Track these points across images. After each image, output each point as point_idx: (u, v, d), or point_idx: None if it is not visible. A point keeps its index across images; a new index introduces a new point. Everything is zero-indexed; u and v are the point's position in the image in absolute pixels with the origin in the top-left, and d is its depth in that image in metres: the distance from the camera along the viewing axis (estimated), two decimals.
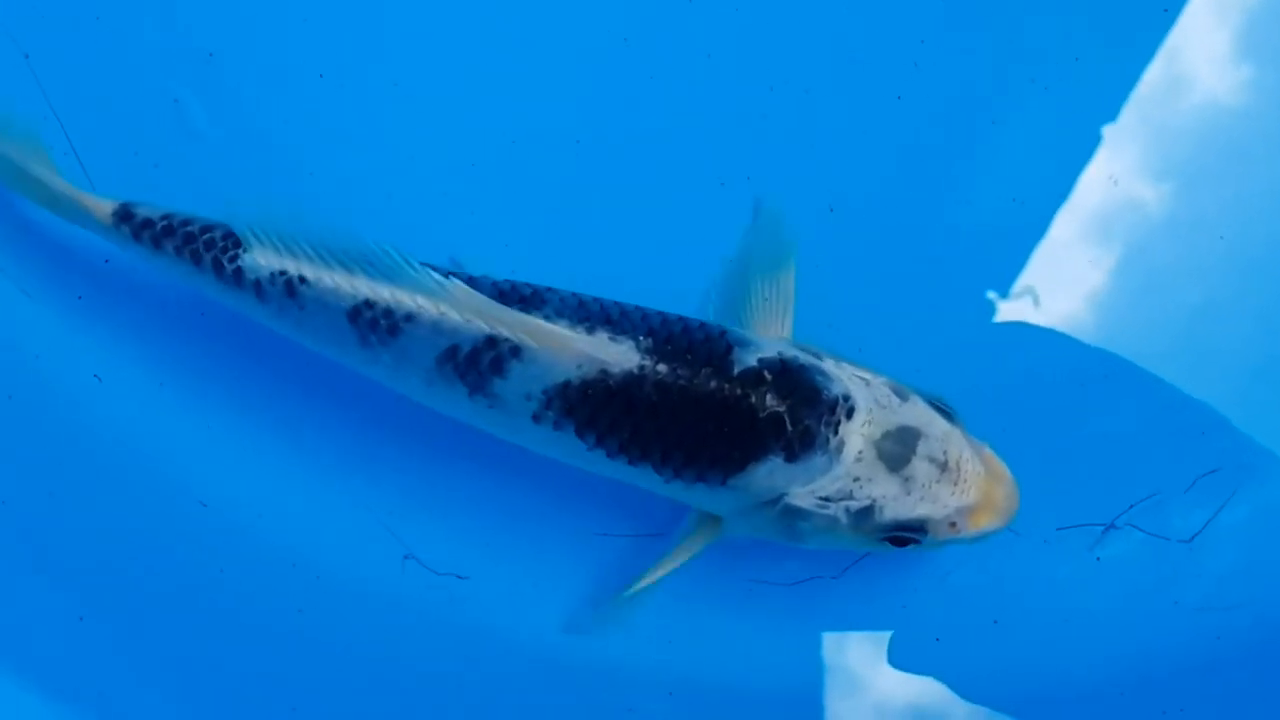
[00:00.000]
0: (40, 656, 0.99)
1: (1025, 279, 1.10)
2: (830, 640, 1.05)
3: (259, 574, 1.04)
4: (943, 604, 1.07)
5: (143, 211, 0.96)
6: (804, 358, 0.92)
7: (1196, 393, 1.08)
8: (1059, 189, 1.11)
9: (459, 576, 1.05)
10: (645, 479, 0.93)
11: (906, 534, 0.92)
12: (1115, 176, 1.11)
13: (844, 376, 0.92)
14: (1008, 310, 1.10)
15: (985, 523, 0.92)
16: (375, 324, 0.90)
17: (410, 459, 1.05)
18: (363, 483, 1.05)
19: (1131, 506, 1.07)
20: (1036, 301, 1.10)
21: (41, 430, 1.04)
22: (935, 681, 1.05)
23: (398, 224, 1.07)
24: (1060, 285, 1.10)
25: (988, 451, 0.94)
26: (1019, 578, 1.07)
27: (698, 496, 0.94)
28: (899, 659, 1.05)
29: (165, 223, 0.95)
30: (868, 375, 0.94)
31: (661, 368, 0.89)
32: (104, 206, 0.96)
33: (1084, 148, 1.11)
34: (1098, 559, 1.06)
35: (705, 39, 1.11)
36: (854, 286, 1.09)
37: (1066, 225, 1.10)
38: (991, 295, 1.10)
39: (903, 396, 0.93)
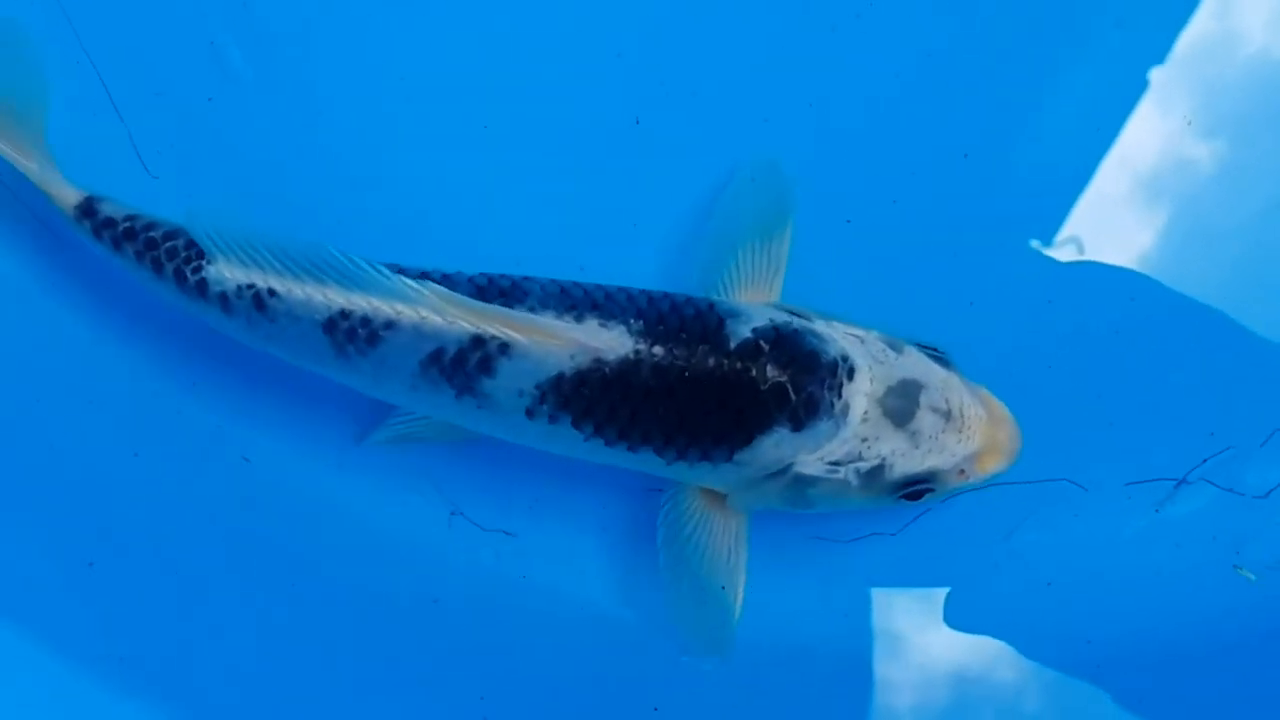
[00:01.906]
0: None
1: (1074, 229, 1.07)
2: (883, 598, 1.03)
3: (304, 531, 1.02)
4: (1003, 563, 1.04)
5: (106, 210, 0.92)
6: (796, 322, 0.90)
7: (1272, 346, 1.05)
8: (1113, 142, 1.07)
9: (506, 533, 1.03)
10: (646, 463, 0.91)
11: (917, 487, 0.91)
12: (1188, 119, 1.07)
13: (838, 336, 0.90)
14: (1071, 266, 1.06)
15: (992, 465, 0.92)
16: (353, 334, 0.87)
17: None
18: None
19: (1205, 461, 1.03)
20: (1089, 253, 1.06)
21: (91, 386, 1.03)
22: (987, 641, 1.03)
23: (425, 167, 1.06)
24: (1122, 239, 1.06)
25: (985, 393, 0.93)
26: (1083, 536, 1.04)
27: (701, 475, 0.92)
28: (953, 619, 1.03)
29: (128, 225, 0.91)
30: (859, 331, 0.92)
31: (657, 350, 0.87)
32: (69, 196, 0.93)
33: (1135, 103, 1.08)
34: (1155, 510, 1.04)
35: None
36: (908, 247, 1.07)
37: (1121, 180, 1.07)
38: (1050, 251, 1.06)
39: (897, 349, 0.92)
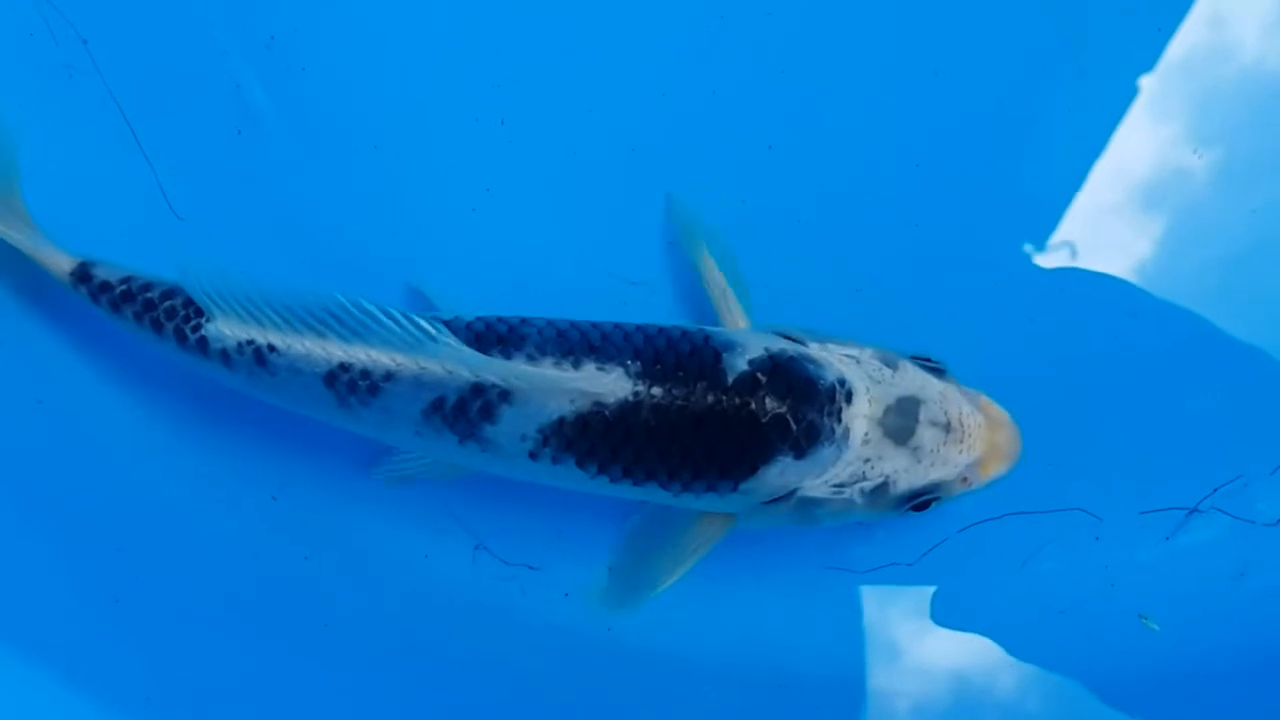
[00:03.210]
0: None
1: (1091, 262, 1.08)
2: (899, 627, 1.04)
3: (330, 566, 1.03)
4: (1019, 592, 1.05)
5: (100, 273, 0.93)
6: (791, 349, 0.91)
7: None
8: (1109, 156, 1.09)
9: (530, 567, 1.04)
10: (652, 495, 0.92)
11: (922, 499, 0.92)
12: (1195, 149, 1.08)
13: (834, 360, 0.91)
14: (1087, 296, 1.08)
15: (994, 470, 0.93)
16: (354, 385, 0.88)
17: None
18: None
19: (1216, 490, 1.05)
20: (1115, 288, 1.08)
21: (108, 419, 1.03)
22: (1004, 669, 1.04)
23: (447, 201, 1.07)
24: (1130, 263, 1.07)
25: (983, 399, 0.94)
26: (1096, 565, 1.05)
27: (709, 503, 0.93)
28: (969, 647, 1.04)
29: (124, 287, 0.92)
30: (854, 350, 0.93)
31: (655, 391, 0.88)
32: (63, 264, 0.93)
33: (1129, 114, 1.09)
34: (1166, 539, 1.05)
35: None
36: (913, 259, 1.08)
37: (1144, 210, 1.08)
38: (1062, 279, 1.08)
39: (892, 365, 0.93)
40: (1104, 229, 1.08)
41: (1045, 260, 1.08)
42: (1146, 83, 1.09)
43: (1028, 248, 1.08)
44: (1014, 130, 1.09)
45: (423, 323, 0.85)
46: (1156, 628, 1.03)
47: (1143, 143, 1.08)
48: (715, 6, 1.09)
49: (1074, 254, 1.08)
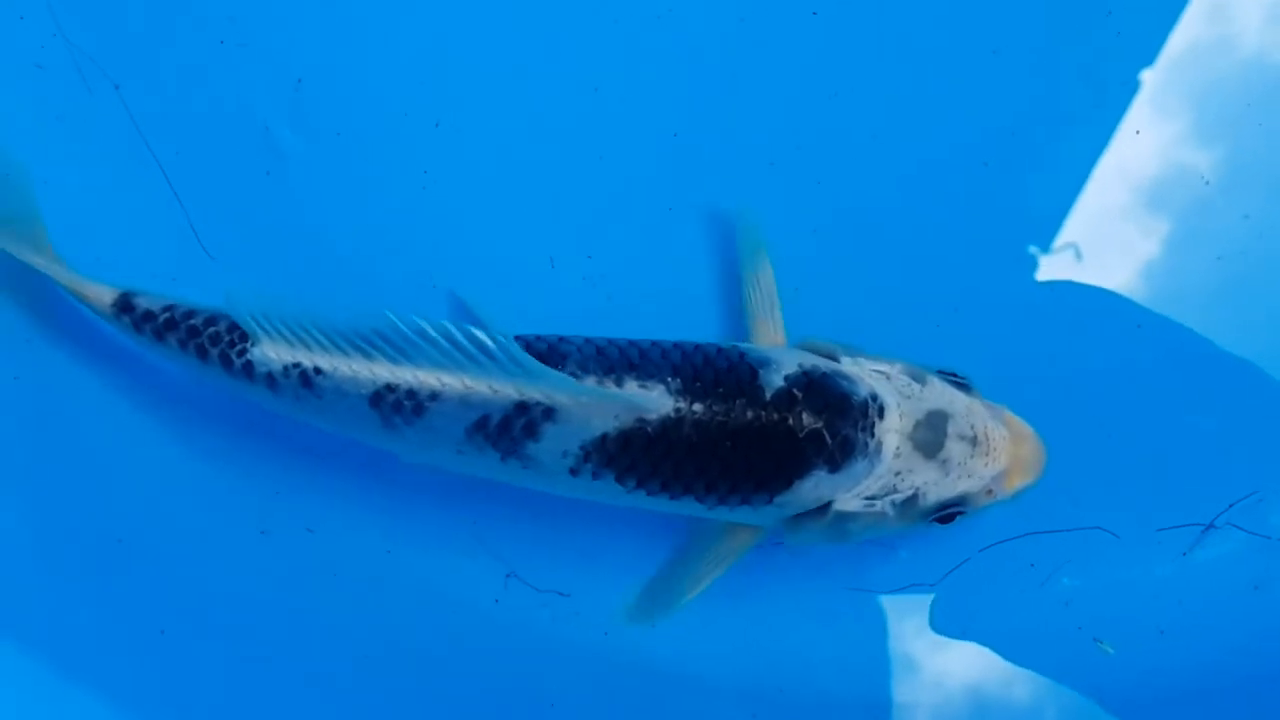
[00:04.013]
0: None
1: (1109, 278, 1.09)
2: (921, 646, 1.06)
3: (360, 595, 1.04)
4: (1039, 610, 1.07)
5: (143, 303, 0.94)
6: (824, 365, 0.93)
7: None
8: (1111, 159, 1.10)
9: (561, 594, 1.05)
10: (687, 508, 0.94)
11: (949, 511, 0.94)
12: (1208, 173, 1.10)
13: (865, 375, 0.93)
14: (1098, 311, 1.09)
15: (1019, 483, 0.95)
16: (399, 406, 0.88)
17: None
18: (462, 502, 1.06)
19: (1231, 506, 1.06)
20: (1125, 302, 1.09)
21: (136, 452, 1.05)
22: (1026, 686, 1.05)
23: (481, 238, 1.09)
24: (1139, 274, 1.09)
25: (1007, 413, 0.96)
26: (1113, 581, 1.07)
27: (743, 516, 0.95)
28: (992, 666, 1.05)
29: (167, 315, 0.93)
30: (884, 366, 0.95)
31: (697, 407, 0.89)
32: (105, 295, 0.94)
33: (1129, 111, 1.10)
34: (1183, 555, 1.06)
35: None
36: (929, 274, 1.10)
37: (1158, 221, 1.10)
38: (1073, 295, 1.09)
39: (921, 380, 0.95)
40: (1114, 238, 1.09)
41: (1056, 275, 1.09)
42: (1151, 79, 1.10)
43: (1039, 265, 1.10)
44: (1023, 142, 1.11)
45: (479, 334, 0.85)
46: (1111, 650, 1.05)
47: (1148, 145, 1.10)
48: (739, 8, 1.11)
49: (1085, 266, 1.09)
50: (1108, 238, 1.09)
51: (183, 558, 1.03)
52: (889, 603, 1.06)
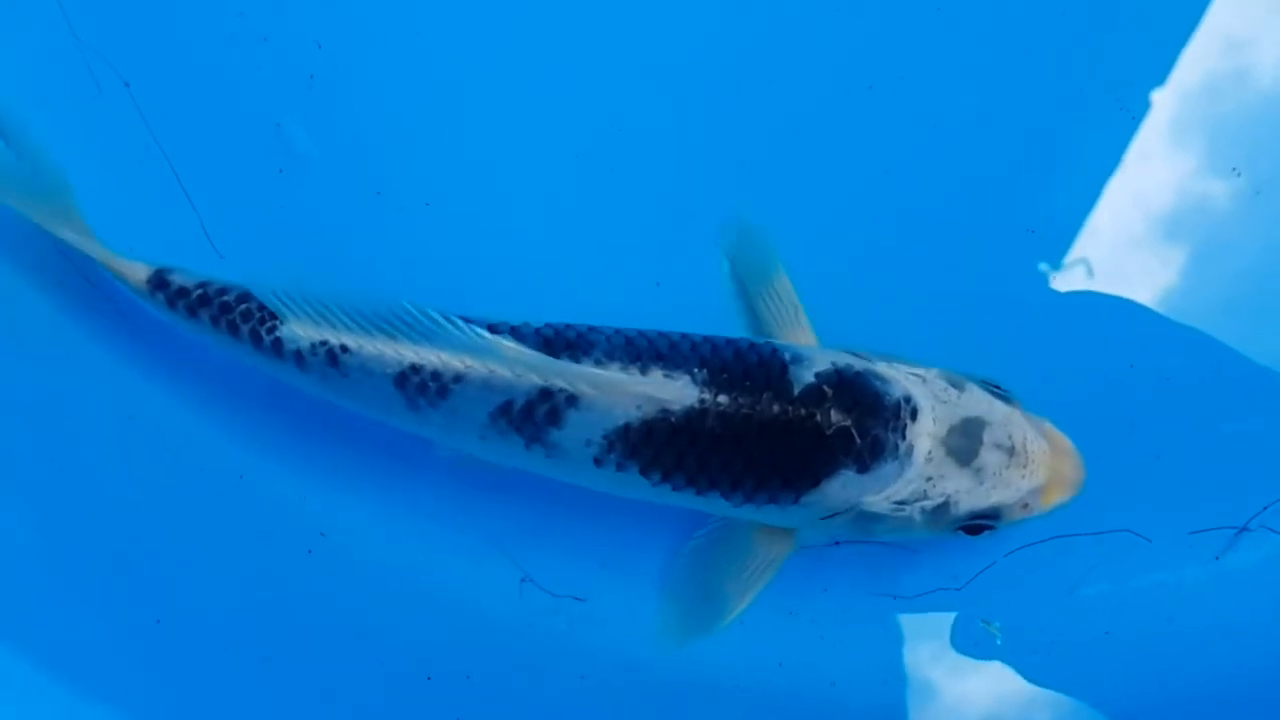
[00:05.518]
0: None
1: (1135, 287, 1.08)
2: (948, 652, 1.04)
3: (375, 601, 1.03)
4: (1066, 614, 1.05)
5: (177, 279, 0.94)
6: (857, 364, 0.91)
7: None
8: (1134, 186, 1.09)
9: (577, 599, 1.04)
10: (714, 505, 0.92)
11: (982, 522, 0.92)
12: (1235, 169, 1.09)
13: (900, 377, 0.91)
14: (1127, 315, 1.08)
15: (1056, 499, 0.93)
16: (424, 387, 0.89)
17: (524, 481, 1.03)
18: (477, 506, 1.04)
19: (1265, 508, 1.04)
20: (1159, 307, 1.08)
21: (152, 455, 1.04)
22: (1055, 694, 1.03)
23: (492, 238, 1.08)
24: (1165, 288, 1.08)
25: (1048, 426, 0.93)
26: (1145, 586, 1.05)
27: (770, 515, 0.93)
28: (1021, 672, 1.04)
29: (200, 292, 0.94)
30: (921, 371, 0.93)
31: (722, 399, 0.88)
32: (139, 272, 0.95)
33: (1148, 143, 1.09)
34: (1216, 559, 1.05)
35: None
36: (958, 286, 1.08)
37: (1175, 236, 1.09)
38: (1101, 300, 1.08)
39: (959, 387, 0.93)
40: (1140, 250, 1.08)
41: (1084, 282, 1.08)
42: (1168, 107, 1.09)
43: (1066, 268, 1.08)
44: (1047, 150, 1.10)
45: (484, 331, 0.87)
46: (998, 633, 1.03)
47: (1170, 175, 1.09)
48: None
49: (1107, 276, 1.08)
50: (1136, 241, 1.08)
51: (185, 558, 1.02)
52: (913, 607, 1.05)
